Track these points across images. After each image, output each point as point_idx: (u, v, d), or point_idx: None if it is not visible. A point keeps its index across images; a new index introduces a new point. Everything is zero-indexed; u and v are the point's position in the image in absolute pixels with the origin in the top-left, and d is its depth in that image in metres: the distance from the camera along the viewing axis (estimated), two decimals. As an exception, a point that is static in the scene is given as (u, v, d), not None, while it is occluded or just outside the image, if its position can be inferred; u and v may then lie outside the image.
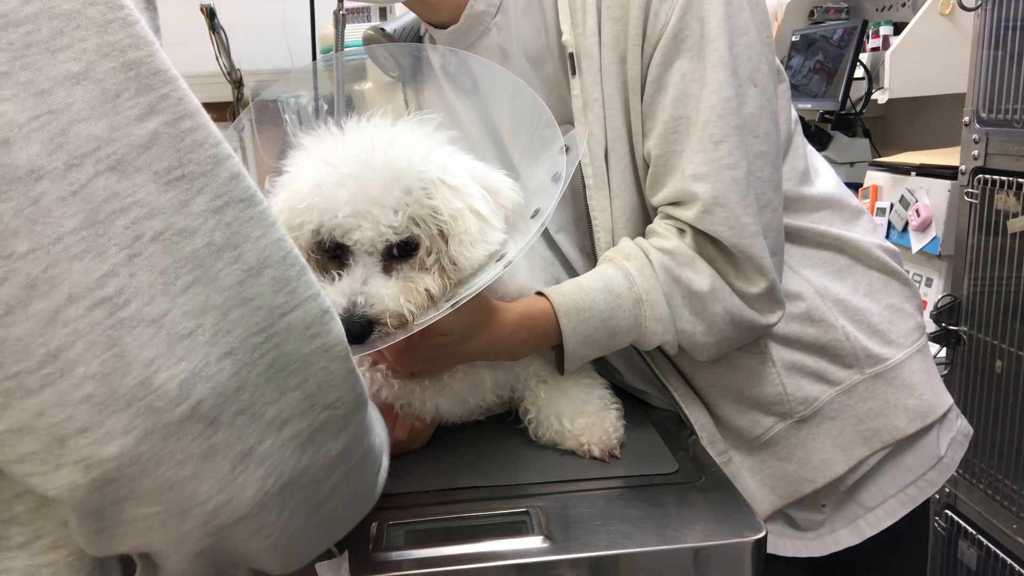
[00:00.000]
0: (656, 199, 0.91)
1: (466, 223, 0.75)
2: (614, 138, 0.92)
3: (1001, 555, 1.60)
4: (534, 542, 0.73)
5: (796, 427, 0.99)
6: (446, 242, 0.76)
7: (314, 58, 2.04)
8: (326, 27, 2.00)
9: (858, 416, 0.99)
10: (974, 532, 1.68)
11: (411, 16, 1.10)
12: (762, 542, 0.74)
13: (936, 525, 1.78)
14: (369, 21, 2.46)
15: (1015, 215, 1.54)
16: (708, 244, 0.89)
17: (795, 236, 1.00)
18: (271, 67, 2.82)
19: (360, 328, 0.73)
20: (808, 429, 0.99)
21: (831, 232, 1.01)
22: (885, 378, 1.00)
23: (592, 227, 0.94)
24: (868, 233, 1.04)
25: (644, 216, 0.95)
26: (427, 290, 0.76)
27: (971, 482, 1.69)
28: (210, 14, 2.58)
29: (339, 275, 0.76)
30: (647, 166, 0.92)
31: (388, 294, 0.74)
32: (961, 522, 1.72)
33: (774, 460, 1.00)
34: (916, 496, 1.02)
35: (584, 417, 0.90)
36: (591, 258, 0.98)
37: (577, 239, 1.02)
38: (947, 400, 1.04)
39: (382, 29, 1.09)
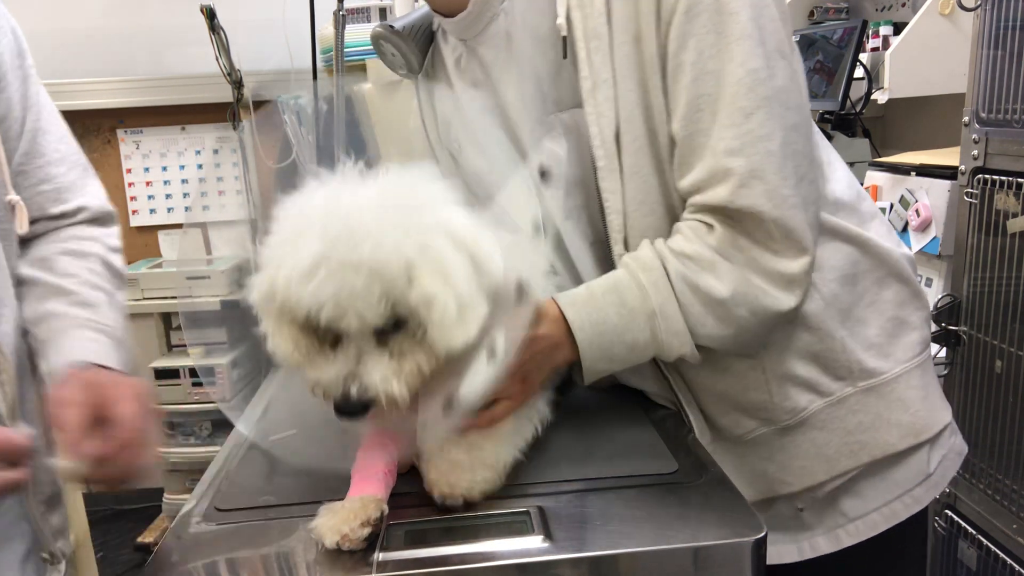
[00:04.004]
0: (685, 183, 0.88)
1: (442, 309, 0.72)
2: (626, 119, 0.90)
3: (1001, 555, 1.60)
4: (534, 542, 0.73)
5: (779, 433, 0.98)
6: None
7: (314, 58, 2.04)
8: (326, 27, 2.00)
9: (847, 428, 0.97)
10: (974, 532, 1.68)
11: (419, 13, 1.10)
12: (762, 542, 0.74)
13: (936, 525, 1.78)
14: (369, 22, 2.46)
15: (1015, 215, 1.54)
16: (742, 231, 0.86)
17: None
18: (271, 67, 2.82)
19: (357, 410, 0.73)
20: (791, 437, 0.98)
21: (851, 230, 0.97)
22: (879, 392, 0.98)
23: (604, 210, 0.92)
24: (884, 236, 1.01)
25: (661, 199, 0.92)
26: (419, 367, 0.74)
27: (971, 482, 1.69)
28: (210, 14, 2.58)
29: (333, 351, 0.75)
30: (672, 146, 0.89)
31: (381, 377, 0.73)
32: (961, 522, 1.72)
33: (754, 458, 0.99)
34: (900, 511, 1.00)
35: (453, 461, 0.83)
36: (597, 247, 0.96)
37: (582, 227, 0.99)
38: (944, 418, 1.02)
39: (391, 26, 1.09)
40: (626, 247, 0.93)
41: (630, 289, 0.87)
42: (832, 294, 0.96)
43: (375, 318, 0.71)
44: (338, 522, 0.73)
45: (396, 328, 0.74)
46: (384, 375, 0.73)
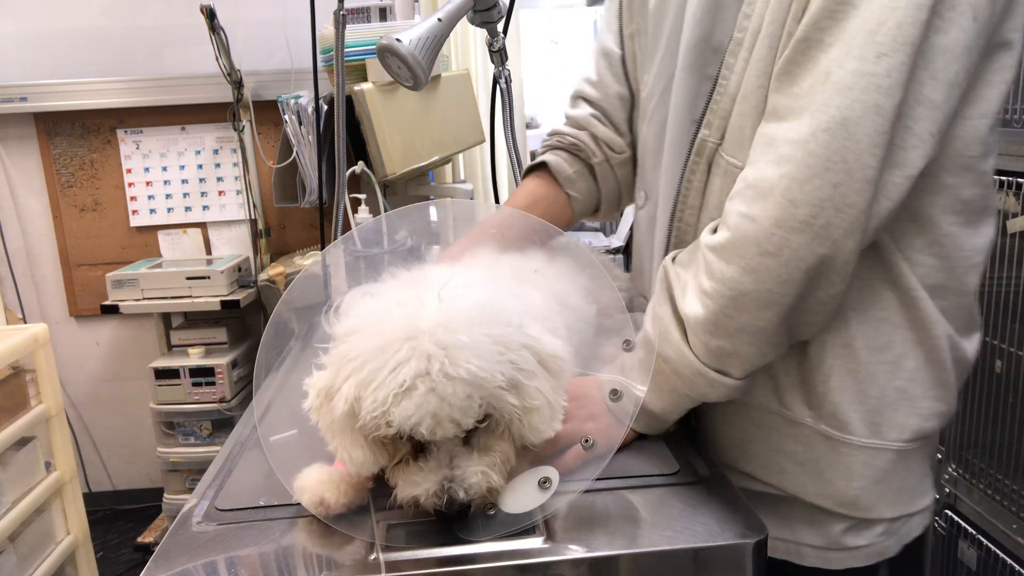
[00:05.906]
0: (773, 100, 0.77)
1: (539, 412, 0.75)
2: (774, 12, 0.79)
3: (1001, 555, 1.60)
4: (534, 542, 0.73)
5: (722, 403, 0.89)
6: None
7: (314, 58, 2.03)
8: (326, 27, 2.00)
9: (780, 447, 0.90)
10: (974, 532, 1.68)
11: (426, 25, 1.08)
12: (763, 543, 0.74)
13: (936, 525, 1.78)
14: (369, 22, 2.46)
15: (1015, 215, 1.54)
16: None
17: (880, 251, 0.83)
18: (271, 67, 2.82)
19: (465, 512, 0.73)
20: (726, 411, 0.93)
21: (907, 280, 0.84)
22: (834, 446, 0.87)
23: (715, 87, 0.86)
24: (944, 310, 0.86)
25: (761, 107, 0.81)
26: (506, 458, 0.76)
27: (971, 482, 1.69)
28: (210, 14, 2.58)
29: (411, 458, 0.75)
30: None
31: (481, 474, 0.74)
32: (961, 522, 1.72)
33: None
34: (781, 551, 0.92)
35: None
36: (696, 127, 0.89)
37: (692, 100, 0.89)
38: (884, 513, 0.88)
39: (398, 39, 1.07)
40: (722, 139, 0.86)
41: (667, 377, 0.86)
42: (851, 332, 0.85)
43: (470, 424, 0.72)
44: (323, 489, 0.77)
45: (478, 424, 0.74)
46: (483, 471, 0.74)
